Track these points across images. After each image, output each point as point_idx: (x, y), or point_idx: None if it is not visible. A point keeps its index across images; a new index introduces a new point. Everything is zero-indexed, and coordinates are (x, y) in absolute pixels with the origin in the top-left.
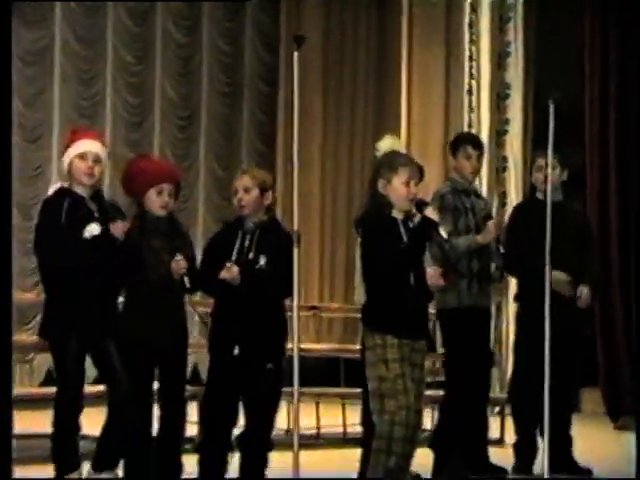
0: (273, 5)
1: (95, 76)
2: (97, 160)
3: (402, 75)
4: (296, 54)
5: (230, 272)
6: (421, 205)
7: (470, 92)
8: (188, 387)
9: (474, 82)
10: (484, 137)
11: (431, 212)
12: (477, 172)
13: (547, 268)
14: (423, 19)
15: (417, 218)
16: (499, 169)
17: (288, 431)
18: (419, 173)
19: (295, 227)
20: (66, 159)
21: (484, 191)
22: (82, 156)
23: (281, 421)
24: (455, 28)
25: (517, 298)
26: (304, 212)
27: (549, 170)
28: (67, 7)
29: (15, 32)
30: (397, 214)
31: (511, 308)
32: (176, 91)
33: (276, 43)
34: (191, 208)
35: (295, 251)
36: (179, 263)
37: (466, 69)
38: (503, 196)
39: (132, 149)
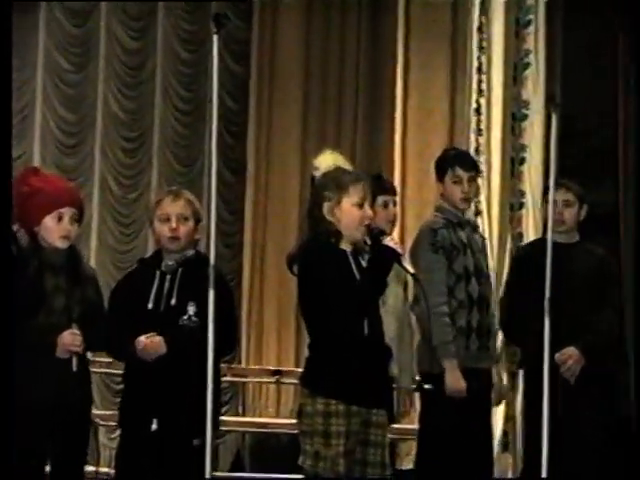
0: (245, 6)
1: (22, 85)
2: None
3: (397, 92)
4: (215, 38)
5: (152, 345)
6: (378, 234)
7: (478, 111)
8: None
9: (483, 100)
10: (495, 167)
11: (391, 242)
12: (470, 199)
13: (546, 321)
14: (423, 23)
15: (372, 248)
16: (514, 206)
17: None
18: (392, 190)
19: (212, 262)
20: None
21: (494, 232)
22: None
23: None
24: (461, 34)
25: (521, 364)
26: (278, 246)
27: (550, 205)
28: None
29: None
30: (346, 245)
31: None
32: (122, 106)
33: (247, 51)
34: (140, 248)
35: (211, 294)
36: (74, 338)
37: (474, 84)
38: (519, 238)
39: (66, 177)
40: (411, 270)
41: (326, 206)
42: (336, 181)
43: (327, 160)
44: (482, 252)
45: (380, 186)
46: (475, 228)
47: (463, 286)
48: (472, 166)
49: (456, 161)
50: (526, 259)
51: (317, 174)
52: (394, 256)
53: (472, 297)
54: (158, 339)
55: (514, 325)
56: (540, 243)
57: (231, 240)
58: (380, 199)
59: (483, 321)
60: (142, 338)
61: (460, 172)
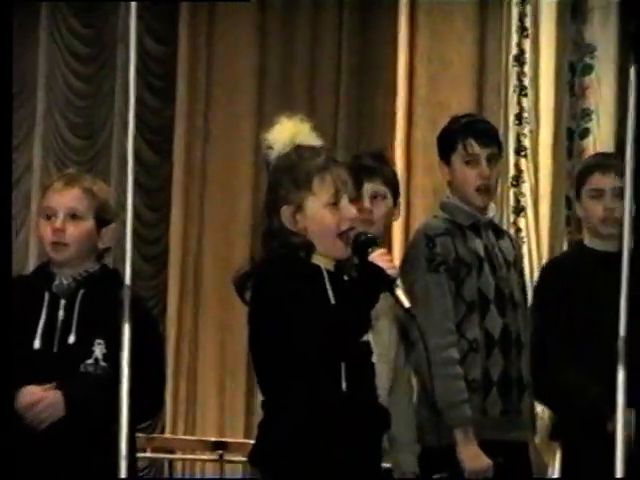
0: None
1: None
2: None
3: (399, 30)
4: (134, 3)
5: (47, 403)
6: (365, 243)
7: (520, 60)
8: None
9: (527, 42)
10: (545, 142)
11: (382, 258)
12: (491, 190)
13: (620, 373)
14: None
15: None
16: (573, 201)
17: None
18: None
19: (127, 280)
20: None
21: (543, 239)
22: None
23: None
24: None
25: (554, 435)
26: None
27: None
28: None
29: None
30: (321, 260)
31: None
32: None
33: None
34: (18, 258)
35: (126, 328)
36: None
37: (513, 20)
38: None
39: None
40: (406, 303)
41: (285, 211)
42: (293, 173)
43: (283, 134)
44: (512, 268)
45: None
46: (500, 233)
47: (476, 319)
48: (493, 139)
49: (469, 131)
50: (559, 278)
51: (271, 156)
52: (383, 280)
53: (491, 335)
54: (53, 394)
55: (543, 378)
56: (579, 252)
57: (152, 250)
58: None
59: (510, 371)
60: (30, 391)
61: (475, 147)
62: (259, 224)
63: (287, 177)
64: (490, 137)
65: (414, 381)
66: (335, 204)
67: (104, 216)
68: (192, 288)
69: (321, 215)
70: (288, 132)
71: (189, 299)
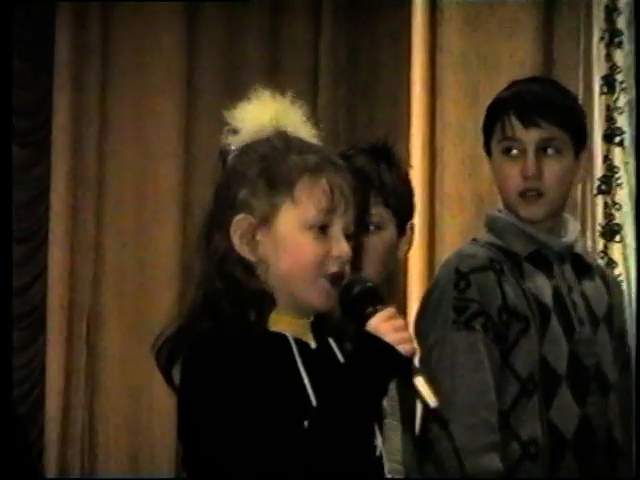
0: None
1: None
2: None
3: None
4: None
5: None
6: (361, 298)
7: (611, 24)
8: None
9: None
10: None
11: (388, 323)
12: (549, 197)
13: None
14: None
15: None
16: None
17: None
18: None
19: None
20: None
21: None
22: None
23: None
24: None
25: None
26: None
27: None
28: None
29: None
30: (286, 323)
31: None
32: None
33: None
34: None
35: None
36: None
37: None
38: None
39: None
40: (431, 401)
41: (238, 223)
42: (269, 166)
43: (260, 112)
44: (602, 326)
45: None
46: (586, 269)
47: (536, 408)
48: (548, 115)
49: (513, 103)
50: None
51: (232, 145)
52: (390, 363)
53: (561, 434)
54: None
55: None
56: None
57: (20, 304)
58: None
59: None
60: None
61: (516, 128)
62: (189, 265)
63: (258, 170)
64: (542, 111)
65: None
66: (322, 229)
67: None
68: (85, 366)
69: (298, 239)
70: (268, 111)
71: (80, 383)
